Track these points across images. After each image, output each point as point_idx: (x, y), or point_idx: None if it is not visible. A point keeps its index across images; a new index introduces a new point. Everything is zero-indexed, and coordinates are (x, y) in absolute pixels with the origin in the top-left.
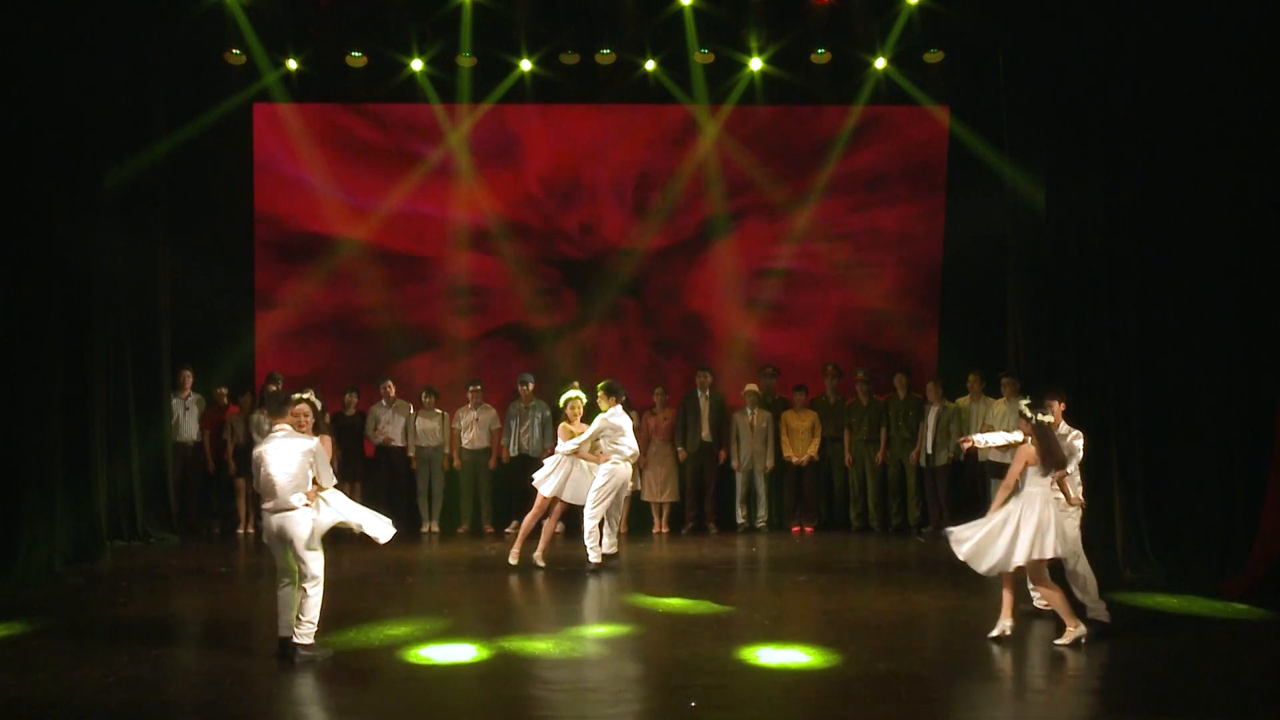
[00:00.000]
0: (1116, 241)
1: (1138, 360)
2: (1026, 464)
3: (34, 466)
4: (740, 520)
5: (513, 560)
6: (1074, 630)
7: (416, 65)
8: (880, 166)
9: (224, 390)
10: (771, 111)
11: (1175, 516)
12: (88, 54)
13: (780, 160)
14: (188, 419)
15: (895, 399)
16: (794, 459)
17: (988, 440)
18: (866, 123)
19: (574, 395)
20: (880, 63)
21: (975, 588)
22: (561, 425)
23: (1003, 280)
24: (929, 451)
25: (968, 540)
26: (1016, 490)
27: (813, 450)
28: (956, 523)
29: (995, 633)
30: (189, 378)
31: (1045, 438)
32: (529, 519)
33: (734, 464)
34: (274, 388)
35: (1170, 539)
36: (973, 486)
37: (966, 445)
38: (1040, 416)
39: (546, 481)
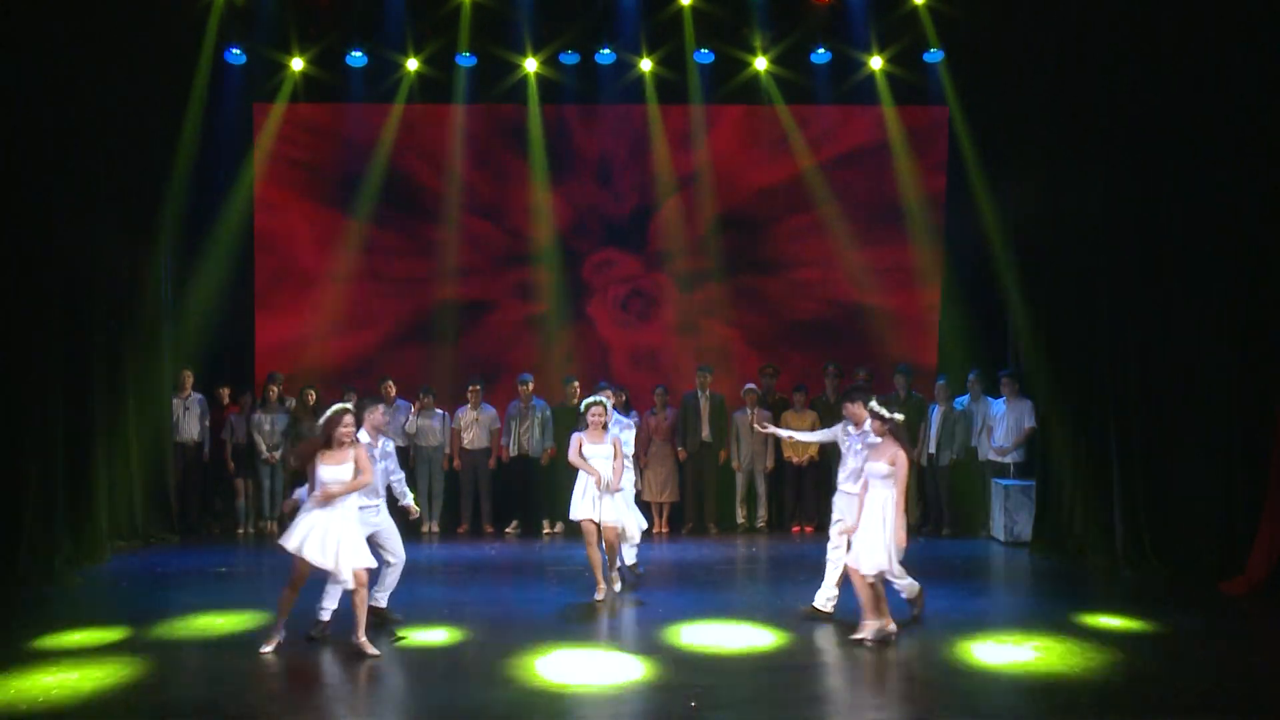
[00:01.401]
0: (1116, 241)
1: (1138, 360)
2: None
3: (34, 466)
4: (740, 520)
5: (599, 596)
6: (874, 625)
7: (412, 65)
8: (880, 166)
9: (225, 390)
10: (771, 110)
11: (1175, 516)
12: (87, 52)
13: (779, 160)
14: (188, 419)
15: (895, 399)
16: (794, 459)
17: (792, 435)
18: (866, 122)
19: (595, 400)
20: (877, 62)
21: (976, 588)
22: (577, 437)
23: (1003, 280)
24: (931, 451)
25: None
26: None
27: (813, 450)
28: (957, 522)
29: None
30: (189, 378)
31: (900, 434)
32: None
33: (734, 464)
34: (275, 388)
35: (1170, 539)
36: (974, 487)
37: (764, 431)
38: (895, 415)
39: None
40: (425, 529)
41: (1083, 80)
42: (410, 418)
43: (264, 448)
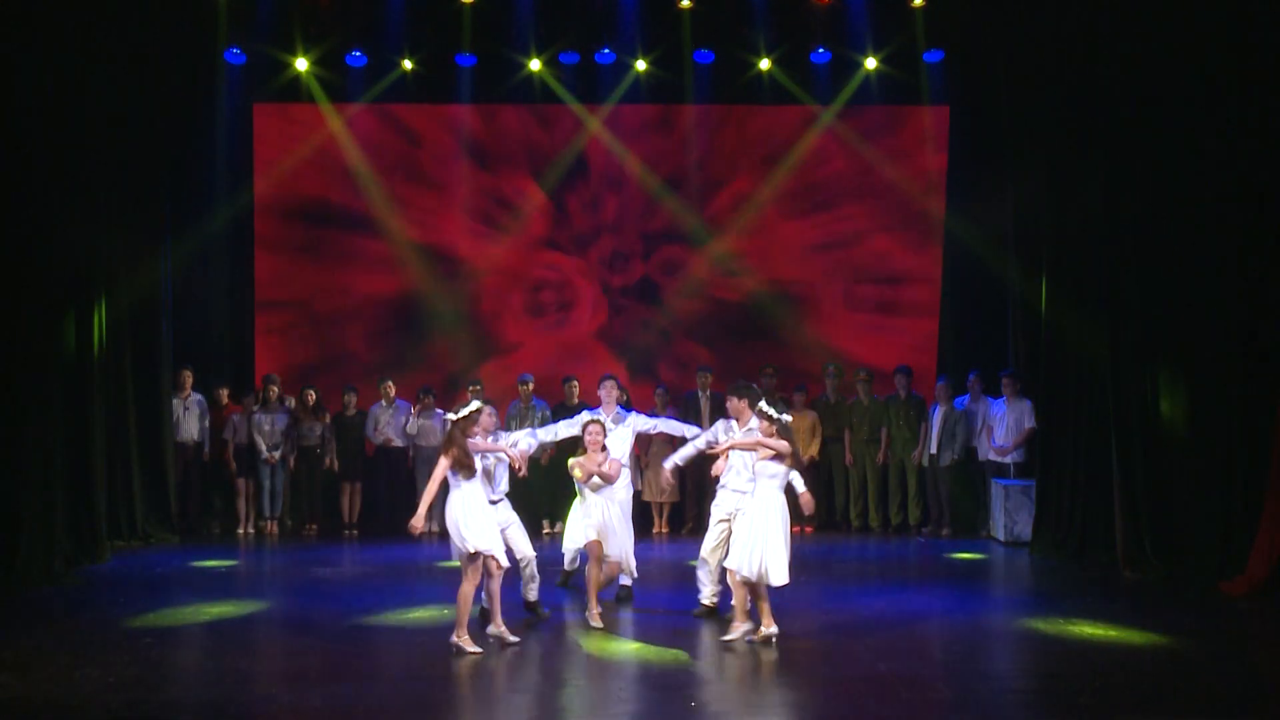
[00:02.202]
0: (1117, 241)
1: (1138, 359)
2: (788, 465)
3: (34, 466)
4: None
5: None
6: (742, 627)
7: (412, 65)
8: (880, 166)
9: (225, 390)
10: (771, 110)
11: (1175, 516)
12: (87, 51)
13: (779, 159)
14: (188, 419)
15: (895, 399)
16: None
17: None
18: (866, 122)
19: (592, 418)
20: (871, 63)
21: (976, 587)
22: (574, 461)
23: (1003, 280)
24: (933, 451)
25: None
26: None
27: (813, 450)
28: (956, 523)
29: (734, 636)
30: (189, 378)
31: (789, 435)
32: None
33: None
34: (274, 388)
35: (1170, 539)
36: (974, 487)
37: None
38: (783, 416)
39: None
40: (426, 529)
41: (1084, 79)
42: (410, 419)
43: (264, 448)
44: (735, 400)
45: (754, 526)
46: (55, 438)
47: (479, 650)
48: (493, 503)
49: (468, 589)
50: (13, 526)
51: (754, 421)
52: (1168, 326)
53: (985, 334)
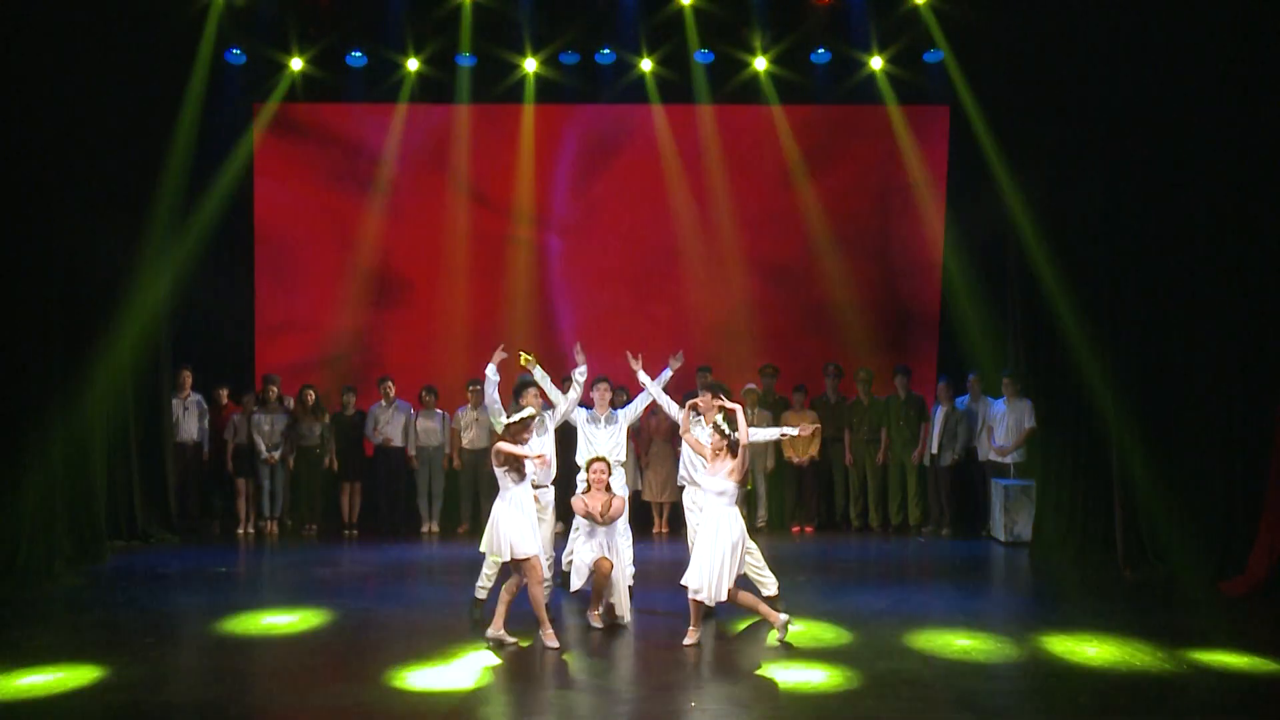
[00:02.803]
0: (1117, 241)
1: (1138, 360)
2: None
3: (34, 466)
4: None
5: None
6: (780, 619)
7: (413, 64)
8: (880, 166)
9: (224, 390)
10: (772, 111)
11: (1175, 516)
12: (87, 51)
13: (779, 160)
14: (188, 419)
15: (895, 399)
16: (794, 459)
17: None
18: (866, 122)
19: (597, 456)
20: (876, 62)
21: (976, 587)
22: (577, 499)
23: (1003, 280)
24: (934, 451)
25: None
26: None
27: (813, 450)
28: (957, 523)
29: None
30: (189, 378)
31: (740, 452)
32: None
33: None
34: (274, 388)
35: (1170, 539)
36: (974, 487)
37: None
38: (736, 434)
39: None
40: (425, 529)
41: (1084, 79)
42: (411, 418)
43: (263, 448)
44: (708, 397)
45: (705, 547)
46: (55, 438)
47: (556, 646)
48: (537, 487)
49: (536, 591)
50: (13, 526)
51: (713, 436)
52: (1167, 326)
53: (985, 334)
